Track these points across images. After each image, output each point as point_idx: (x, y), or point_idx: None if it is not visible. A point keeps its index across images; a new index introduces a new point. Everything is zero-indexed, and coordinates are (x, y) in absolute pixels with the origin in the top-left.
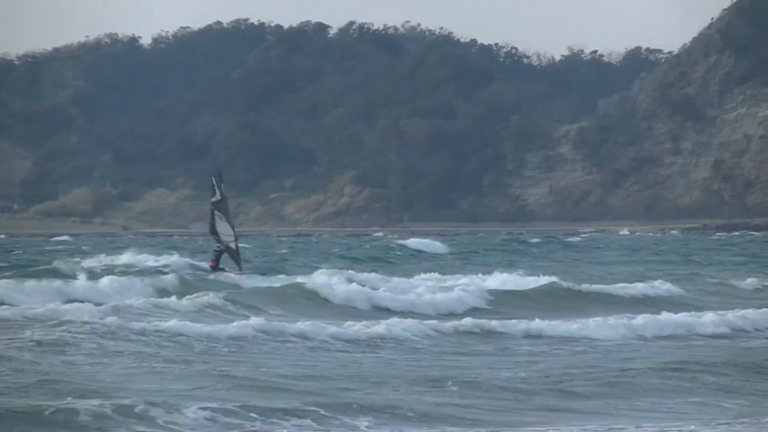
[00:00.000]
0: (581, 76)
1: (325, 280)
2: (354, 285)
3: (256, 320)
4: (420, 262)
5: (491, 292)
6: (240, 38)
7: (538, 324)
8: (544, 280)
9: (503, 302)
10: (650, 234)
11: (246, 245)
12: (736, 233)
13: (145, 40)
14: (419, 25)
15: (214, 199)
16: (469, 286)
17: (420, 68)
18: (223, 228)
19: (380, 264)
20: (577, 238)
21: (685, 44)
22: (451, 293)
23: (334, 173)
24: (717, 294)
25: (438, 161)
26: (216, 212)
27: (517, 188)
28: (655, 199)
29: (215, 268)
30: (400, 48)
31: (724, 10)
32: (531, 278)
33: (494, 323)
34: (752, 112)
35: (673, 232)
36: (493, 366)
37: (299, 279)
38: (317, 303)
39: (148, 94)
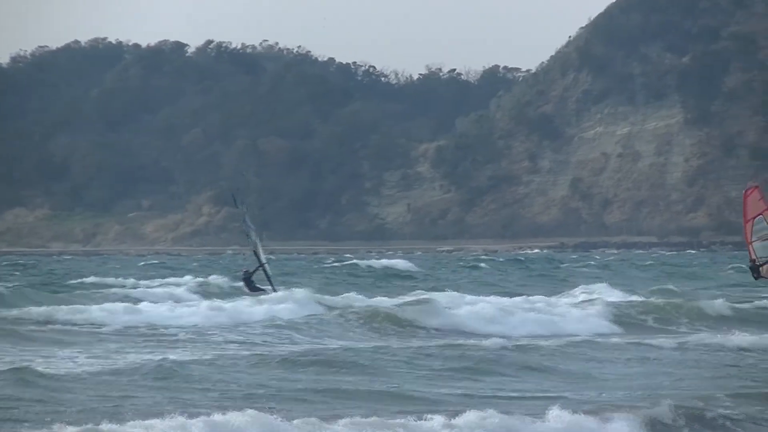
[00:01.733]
0: (439, 95)
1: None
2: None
3: None
4: (407, 281)
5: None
6: (98, 57)
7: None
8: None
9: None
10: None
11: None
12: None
13: (3, 59)
14: (277, 44)
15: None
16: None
17: (278, 87)
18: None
19: (371, 285)
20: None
21: (543, 62)
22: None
23: (192, 193)
24: None
25: (296, 180)
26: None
27: (376, 207)
28: (512, 217)
29: (254, 288)
30: (259, 67)
31: (582, 28)
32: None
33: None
34: (610, 131)
35: (535, 250)
36: None
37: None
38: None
39: (6, 114)
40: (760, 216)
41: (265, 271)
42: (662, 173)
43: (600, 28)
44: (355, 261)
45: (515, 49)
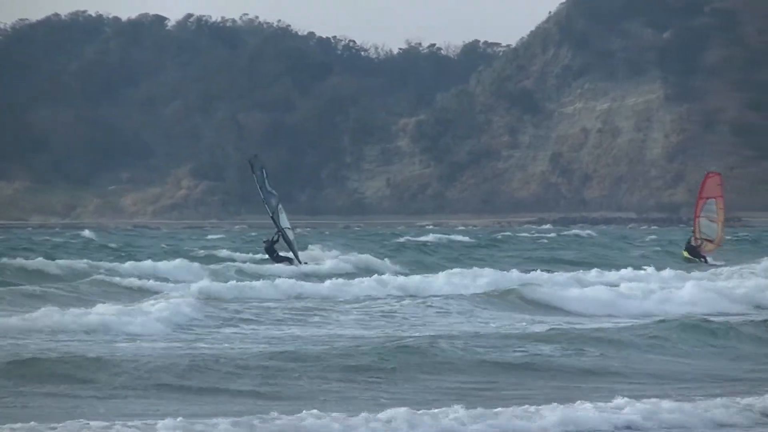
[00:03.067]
0: (419, 70)
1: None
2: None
3: None
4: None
5: None
6: (78, 30)
7: None
8: None
9: None
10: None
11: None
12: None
13: None
14: (257, 17)
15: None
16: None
17: (258, 61)
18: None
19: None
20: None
21: (523, 38)
22: None
23: (172, 166)
24: None
25: (276, 154)
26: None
27: (355, 181)
28: (492, 192)
29: (278, 258)
30: (239, 41)
31: (562, 3)
32: None
33: None
34: (590, 106)
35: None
36: None
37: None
38: None
39: None
40: (713, 199)
41: (285, 238)
42: (642, 149)
43: (580, 3)
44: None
45: (495, 25)
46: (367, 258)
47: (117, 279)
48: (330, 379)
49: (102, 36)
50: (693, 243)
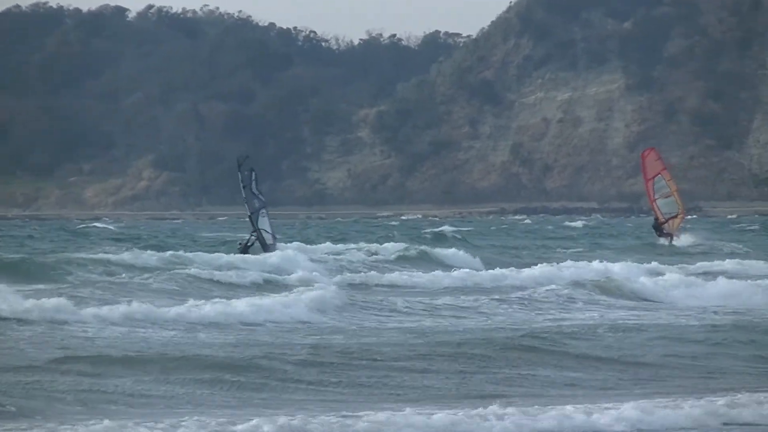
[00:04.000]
0: (380, 60)
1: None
2: None
3: None
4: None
5: None
6: (39, 22)
7: None
8: None
9: None
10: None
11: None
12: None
13: None
14: (218, 8)
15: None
16: None
17: (218, 52)
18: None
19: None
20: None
21: (484, 28)
22: None
23: (133, 157)
24: None
25: (237, 145)
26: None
27: (316, 172)
28: (453, 182)
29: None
30: (199, 32)
31: None
32: None
33: None
34: (550, 96)
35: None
36: None
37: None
38: None
39: None
40: (659, 175)
41: (261, 240)
42: (603, 139)
43: None
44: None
45: (456, 15)
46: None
47: (215, 272)
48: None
49: (63, 27)
50: (660, 221)
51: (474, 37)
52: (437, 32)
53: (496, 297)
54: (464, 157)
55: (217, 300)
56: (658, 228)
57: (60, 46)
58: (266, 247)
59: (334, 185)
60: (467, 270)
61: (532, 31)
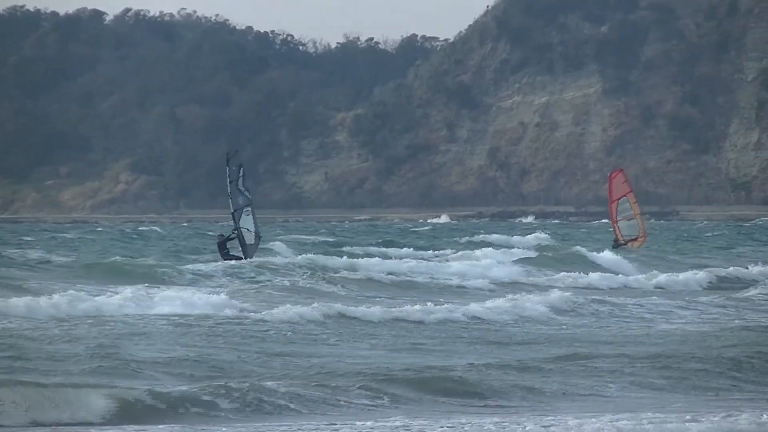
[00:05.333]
0: (357, 64)
1: None
2: None
3: None
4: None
5: None
6: (16, 25)
7: None
8: None
9: None
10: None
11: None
12: (512, 220)
13: None
14: (195, 12)
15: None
16: None
17: (196, 55)
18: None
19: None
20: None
21: (461, 32)
22: None
23: (110, 160)
24: None
25: (214, 148)
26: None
27: (293, 175)
28: (430, 186)
29: (227, 255)
30: (176, 35)
31: None
32: None
33: None
34: (528, 100)
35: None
36: None
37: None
38: None
39: None
40: (624, 197)
41: (240, 238)
42: (580, 143)
43: None
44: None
45: (433, 19)
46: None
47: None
48: None
49: (40, 30)
50: (619, 242)
51: (451, 41)
52: (414, 36)
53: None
54: (441, 160)
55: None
56: (617, 248)
57: (37, 49)
58: (245, 247)
59: (312, 188)
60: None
61: (509, 35)
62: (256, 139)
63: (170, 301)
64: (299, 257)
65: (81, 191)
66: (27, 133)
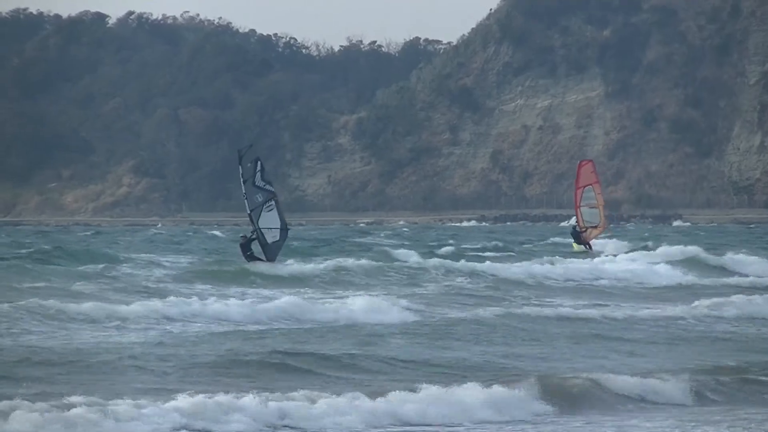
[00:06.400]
0: (360, 67)
1: None
2: None
3: None
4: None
5: None
6: (19, 27)
7: None
8: None
9: None
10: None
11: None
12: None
13: None
14: (198, 15)
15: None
16: None
17: (198, 58)
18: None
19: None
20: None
21: (464, 35)
22: None
23: (112, 163)
24: None
25: (216, 151)
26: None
27: (296, 178)
28: (432, 189)
29: (251, 257)
30: (179, 38)
31: (502, 1)
32: None
33: None
34: (530, 103)
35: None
36: None
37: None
38: None
39: None
40: (590, 186)
41: (260, 239)
42: (582, 146)
43: (521, 0)
44: None
45: (436, 22)
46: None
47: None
48: None
49: (42, 33)
50: (578, 229)
51: (454, 44)
52: (417, 39)
53: None
54: (444, 163)
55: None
56: (577, 235)
57: (39, 51)
58: (266, 248)
59: (314, 192)
60: None
61: (511, 38)
62: (258, 142)
63: None
64: (431, 261)
65: (83, 194)
66: (29, 136)
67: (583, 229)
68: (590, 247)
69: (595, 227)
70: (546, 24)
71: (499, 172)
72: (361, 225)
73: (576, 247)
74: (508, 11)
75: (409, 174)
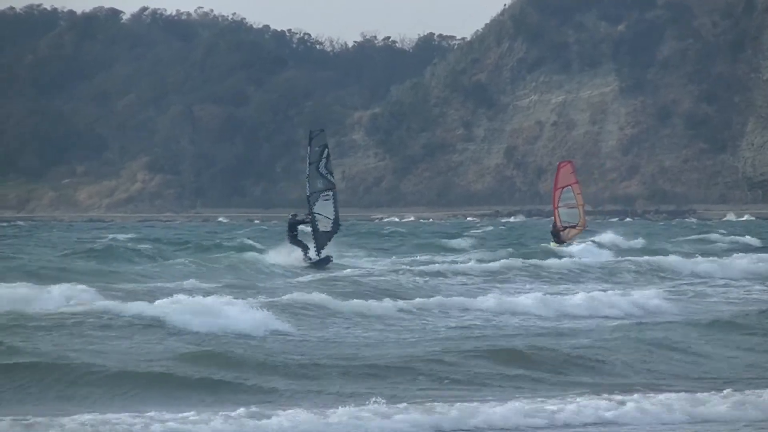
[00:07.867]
0: (374, 63)
1: None
2: None
3: None
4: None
5: None
6: (33, 24)
7: None
8: None
9: None
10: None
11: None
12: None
13: None
14: (212, 10)
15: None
16: None
17: (212, 54)
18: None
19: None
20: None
21: (478, 31)
22: None
23: (127, 159)
24: None
25: (230, 147)
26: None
27: None
28: (447, 185)
29: (294, 239)
30: (193, 34)
31: None
32: None
33: None
34: (544, 99)
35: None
36: None
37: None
38: None
39: None
40: (569, 187)
41: (313, 224)
42: (597, 142)
43: None
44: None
45: (450, 17)
46: None
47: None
48: None
49: (57, 29)
50: (558, 227)
51: (468, 39)
52: (431, 34)
53: None
54: (458, 159)
55: None
56: (556, 234)
57: (53, 48)
58: (317, 234)
59: None
60: None
61: (525, 33)
62: (272, 139)
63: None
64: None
65: (97, 190)
66: (43, 133)
67: (562, 229)
68: (568, 245)
69: (574, 227)
70: (560, 19)
71: (513, 168)
72: (375, 220)
73: (554, 245)
74: (522, 7)
75: (423, 170)
